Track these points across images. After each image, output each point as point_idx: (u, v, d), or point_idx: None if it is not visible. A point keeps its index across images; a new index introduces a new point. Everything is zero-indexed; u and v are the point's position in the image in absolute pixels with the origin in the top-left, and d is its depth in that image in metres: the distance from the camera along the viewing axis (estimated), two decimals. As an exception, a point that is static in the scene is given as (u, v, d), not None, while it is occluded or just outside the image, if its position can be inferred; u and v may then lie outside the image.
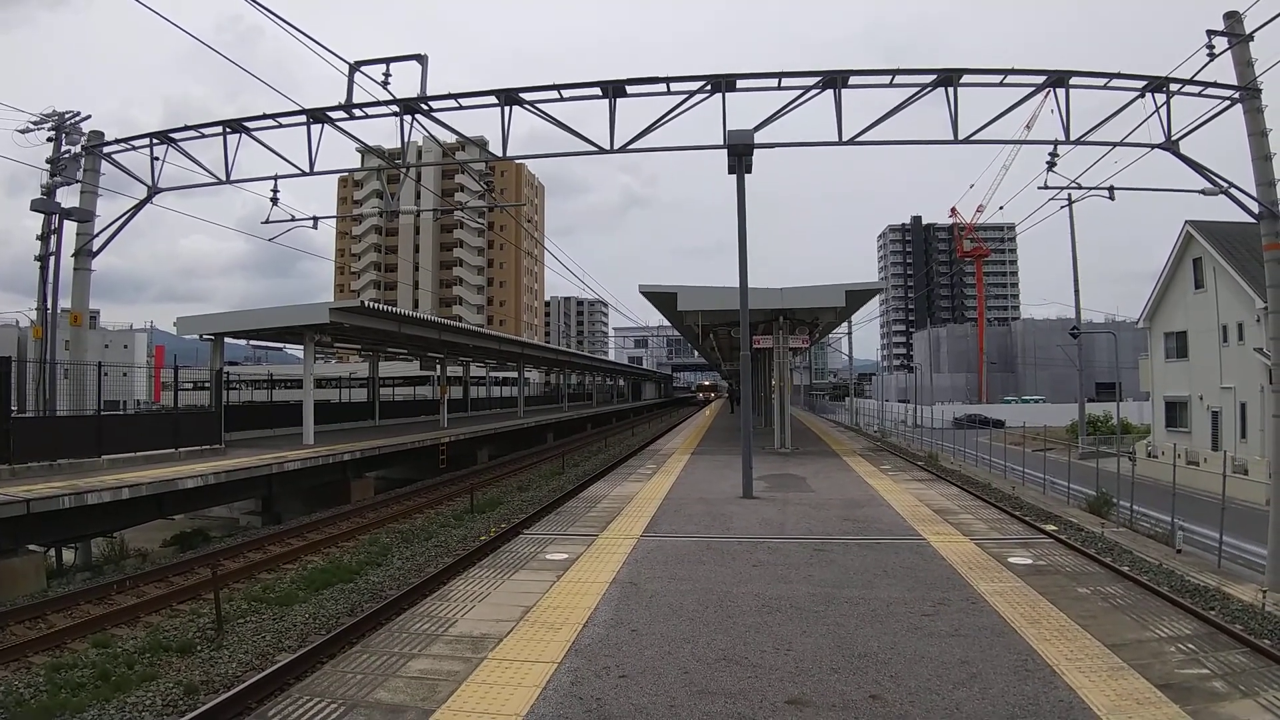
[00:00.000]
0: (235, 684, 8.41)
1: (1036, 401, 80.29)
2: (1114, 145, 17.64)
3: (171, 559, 15.50)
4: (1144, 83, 17.18)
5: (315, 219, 23.17)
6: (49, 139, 21.33)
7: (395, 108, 18.91)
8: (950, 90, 18.07)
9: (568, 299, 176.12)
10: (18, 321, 60.58)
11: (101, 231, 22.02)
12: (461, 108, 19.30)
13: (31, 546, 13.79)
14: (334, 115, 19.52)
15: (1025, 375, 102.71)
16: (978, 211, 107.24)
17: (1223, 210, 18.37)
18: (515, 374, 51.38)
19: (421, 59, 18.38)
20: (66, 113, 21.33)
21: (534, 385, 68.67)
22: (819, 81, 18.36)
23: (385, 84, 17.95)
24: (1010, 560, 9.35)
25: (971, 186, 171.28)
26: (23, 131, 21.15)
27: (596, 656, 6.20)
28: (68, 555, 16.51)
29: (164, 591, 12.73)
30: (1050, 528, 14.76)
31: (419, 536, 17.47)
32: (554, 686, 5.60)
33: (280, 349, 40.65)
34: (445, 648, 6.50)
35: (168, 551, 17.21)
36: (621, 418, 71.83)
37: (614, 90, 18.50)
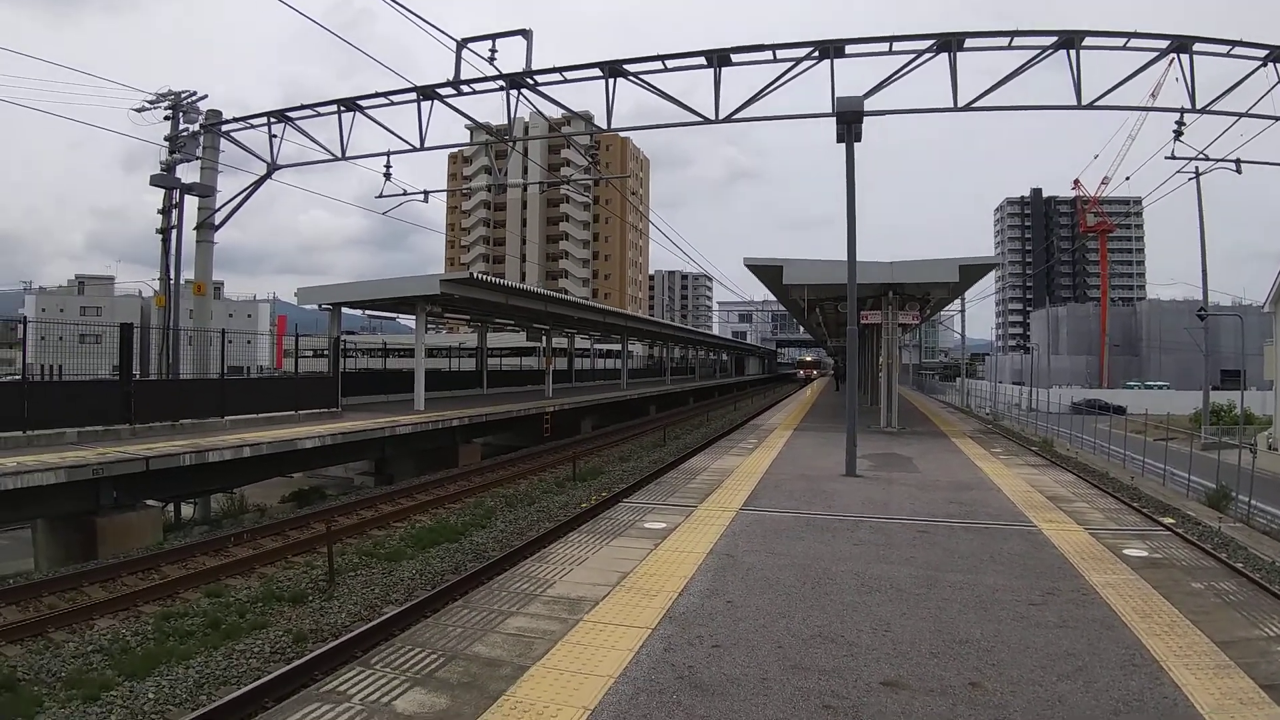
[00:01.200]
0: (343, 633, 8.81)
1: (1160, 388, 76.01)
2: (1239, 116, 16.51)
3: (288, 514, 16.31)
4: (1266, 51, 16.02)
5: (426, 193, 23.83)
6: (165, 117, 22.45)
7: (502, 83, 19.23)
8: (1072, 53, 17.25)
9: (672, 273, 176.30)
10: (140, 291, 64.67)
11: (223, 206, 23.18)
12: (566, 80, 19.46)
13: (149, 501, 14.58)
14: (443, 92, 19.99)
15: (1149, 359, 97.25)
16: (1102, 184, 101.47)
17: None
18: (619, 346, 51.78)
19: (526, 34, 18.57)
20: (183, 92, 22.41)
21: (637, 358, 69.14)
22: (932, 45, 17.76)
23: (492, 60, 18.28)
24: (1124, 551, 8.89)
25: (1096, 157, 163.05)
26: (139, 110, 22.32)
27: (690, 625, 6.20)
28: (186, 510, 17.51)
29: (279, 545, 13.37)
30: (1168, 520, 13.97)
31: (522, 501, 17.89)
32: (647, 651, 5.63)
33: (393, 319, 42.09)
34: (542, 607, 6.63)
35: (285, 507, 18.13)
36: (724, 392, 71.61)
37: (719, 59, 18.32)
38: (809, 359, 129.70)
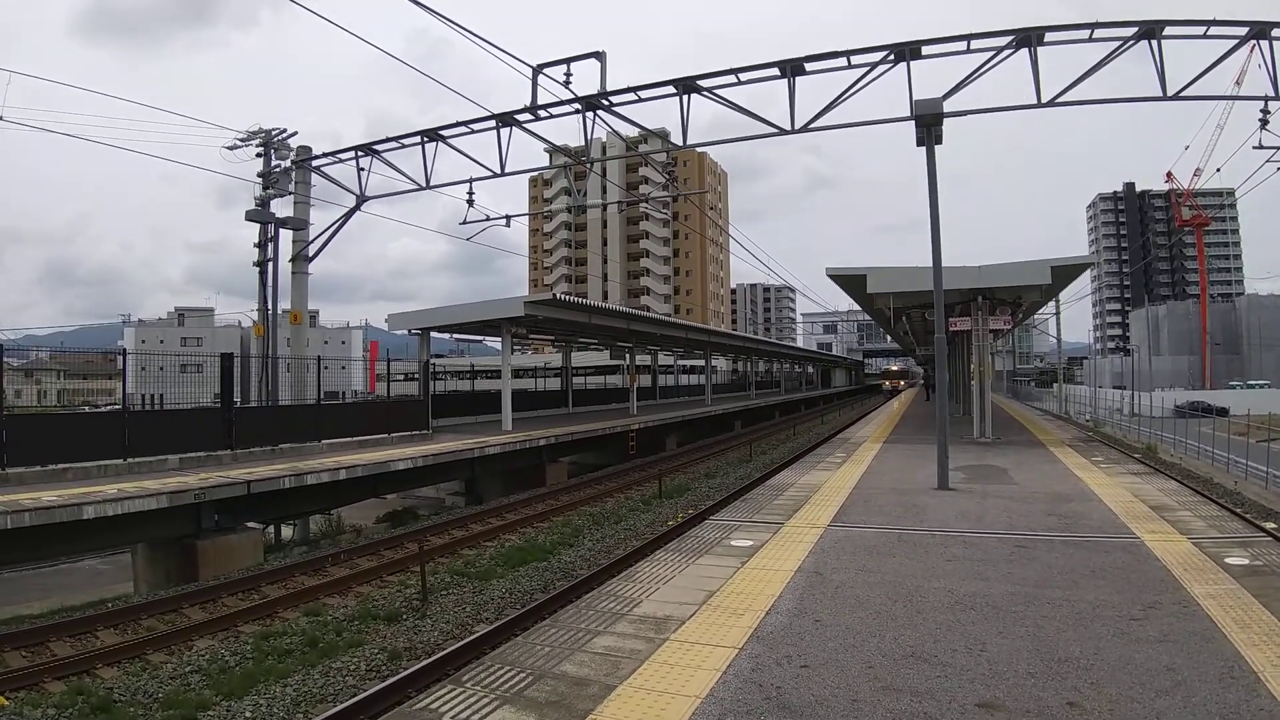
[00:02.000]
0: (436, 651, 9.01)
1: (1263, 386, 72.14)
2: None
3: (383, 534, 16.80)
4: None
5: (508, 217, 24.36)
6: (257, 154, 23.50)
7: (577, 105, 19.53)
8: (1154, 43, 16.72)
9: (754, 285, 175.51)
10: (239, 322, 67.68)
11: (316, 238, 24.12)
12: (641, 100, 19.65)
13: (250, 524, 15.16)
14: (520, 118, 20.41)
15: (1250, 357, 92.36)
16: (1195, 175, 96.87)
17: None
18: (702, 362, 51.73)
19: (600, 56, 18.83)
20: (273, 130, 23.43)
21: (721, 373, 68.92)
22: (1012, 41, 17.37)
23: (567, 83, 18.56)
24: (1226, 560, 8.47)
25: (1186, 148, 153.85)
26: (230, 148, 23.40)
27: (778, 644, 6.15)
28: (286, 531, 18.18)
29: (375, 564, 13.76)
30: (1270, 525, 13.25)
31: (609, 519, 18.00)
32: (734, 671, 5.60)
33: (480, 341, 43.02)
34: (629, 626, 6.66)
35: (380, 528, 18.67)
36: (810, 405, 70.76)
37: (792, 69, 18.24)
38: (895, 368, 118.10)
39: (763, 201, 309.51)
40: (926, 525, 10.86)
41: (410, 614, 10.96)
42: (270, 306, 23.91)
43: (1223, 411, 40.34)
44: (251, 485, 14.43)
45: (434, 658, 8.60)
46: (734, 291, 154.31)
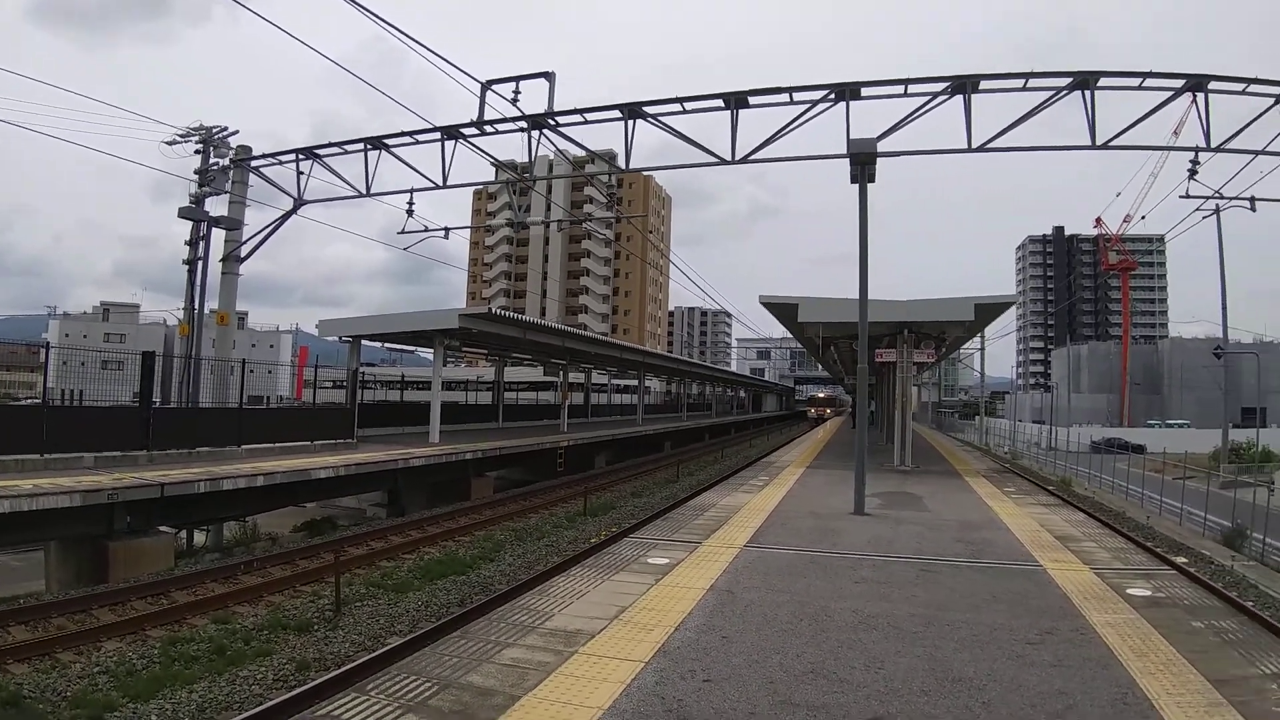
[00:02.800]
0: (346, 662, 8.89)
1: (1180, 426, 75.12)
2: (1256, 154, 16.55)
3: (299, 544, 16.46)
4: None
5: (447, 230, 24.18)
6: (196, 151, 22.97)
7: (524, 123, 19.58)
8: (1087, 93, 17.37)
9: (691, 309, 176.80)
10: (165, 320, 65.75)
11: (249, 239, 23.63)
12: (587, 122, 19.79)
13: (163, 528, 14.73)
14: (466, 132, 20.38)
15: (1170, 398, 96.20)
16: (1124, 222, 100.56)
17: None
18: (636, 382, 51.92)
19: (549, 76, 18.94)
20: (214, 127, 22.96)
21: (654, 394, 69.14)
22: (947, 87, 17.94)
23: (515, 101, 18.62)
24: (1128, 591, 8.85)
25: (1118, 195, 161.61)
26: (169, 143, 22.85)
27: (684, 659, 6.25)
28: (199, 537, 17.69)
29: (288, 573, 13.49)
30: (1180, 560, 13.87)
31: (532, 535, 17.93)
32: (638, 685, 5.69)
33: (413, 352, 42.45)
34: (539, 639, 6.70)
35: (297, 537, 18.27)
36: (740, 429, 71.40)
37: (736, 101, 18.59)
38: (821, 395, 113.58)
39: (707, 227, 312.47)
40: (839, 548, 11.11)
41: (322, 625, 10.78)
42: (197, 306, 23.31)
43: (1139, 448, 41.90)
44: (165, 488, 14.02)
45: (343, 669, 8.48)
46: (672, 314, 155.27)
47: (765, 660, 6.28)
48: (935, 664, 6.31)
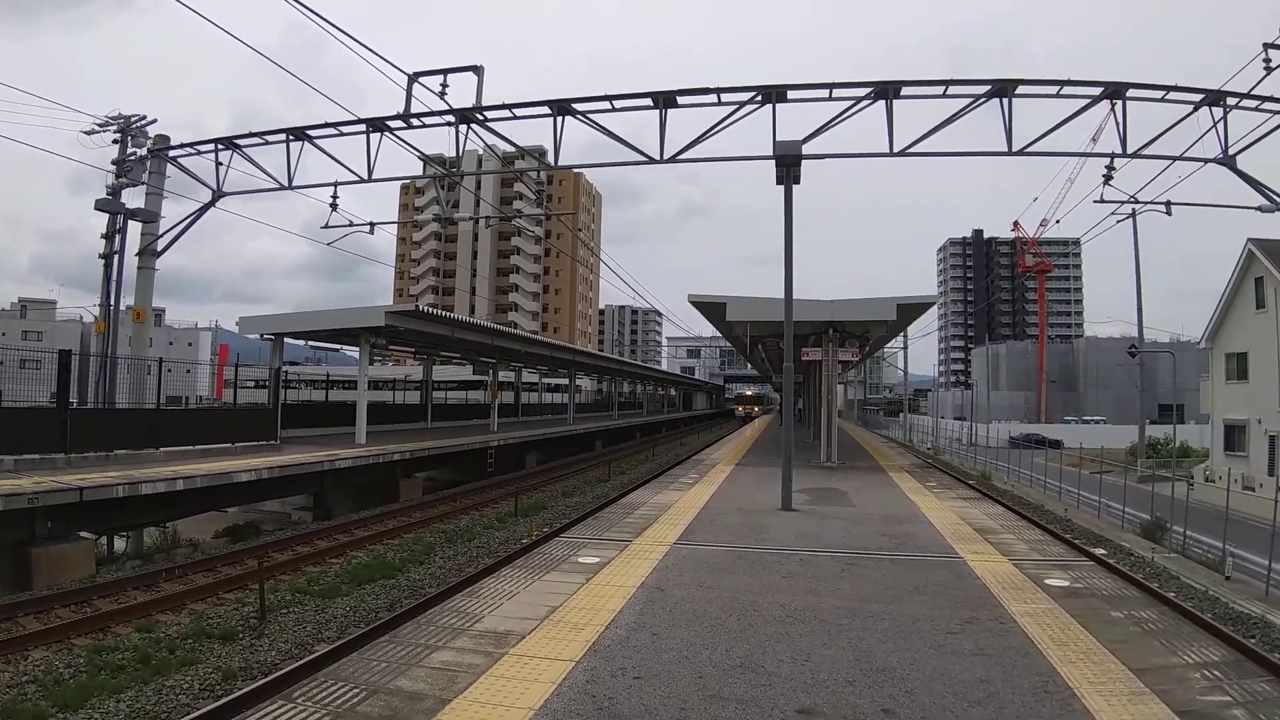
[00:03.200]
0: (273, 670, 8.69)
1: (1097, 422, 78.29)
2: (1172, 159, 17.27)
3: (221, 550, 16.02)
4: (1200, 96, 16.81)
5: (372, 225, 23.77)
6: (114, 141, 22.11)
7: (451, 117, 19.35)
8: (1005, 101, 17.88)
9: (622, 308, 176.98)
10: (81, 317, 63.11)
11: (166, 232, 22.85)
12: (515, 117, 19.67)
13: (83, 534, 14.23)
14: (392, 124, 20.05)
15: (1087, 395, 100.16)
16: (1041, 225, 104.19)
17: (1291, 229, 17.72)
18: (567, 380, 51.81)
19: (478, 70, 18.76)
20: (132, 116, 22.13)
21: (585, 393, 69.08)
22: (871, 92, 18.32)
23: (443, 94, 18.40)
24: (1047, 581, 9.19)
25: (1035, 200, 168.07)
26: (88, 133, 21.96)
27: (614, 657, 6.29)
28: (120, 544, 17.09)
29: (211, 581, 13.15)
30: (1099, 551, 14.40)
31: (462, 537, 17.76)
32: (569, 684, 5.71)
33: (338, 350, 41.62)
34: (469, 642, 6.67)
35: (219, 543, 17.75)
36: (671, 427, 71.81)
37: (665, 101, 18.69)
38: (749, 393, 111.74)
39: (638, 225, 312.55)
40: (767, 544, 11.30)
41: (247, 633, 10.51)
42: (113, 302, 22.43)
43: (1056, 444, 43.40)
44: (84, 492, 13.51)
45: (270, 677, 8.28)
46: (603, 312, 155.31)
47: (695, 656, 6.36)
48: (860, 655, 6.48)
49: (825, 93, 18.76)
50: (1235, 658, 7.00)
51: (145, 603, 11.76)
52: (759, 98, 18.72)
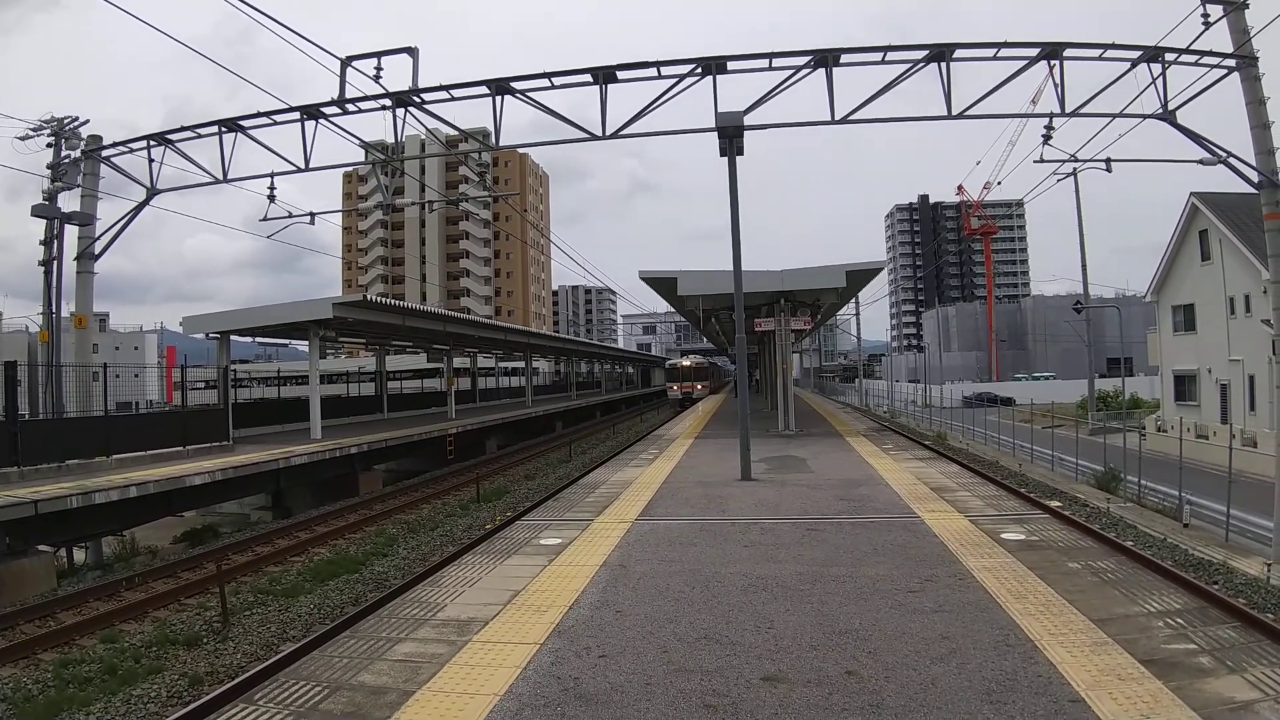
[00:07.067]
0: (239, 673, 8.58)
1: (1047, 378, 79.92)
2: (1112, 117, 17.50)
3: (180, 555, 15.74)
4: (1138, 53, 17.01)
5: (312, 215, 23.24)
6: (48, 145, 21.45)
7: (387, 101, 18.94)
8: (943, 65, 17.92)
9: (575, 288, 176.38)
10: (26, 327, 61.14)
11: (103, 234, 22.19)
12: (454, 99, 19.30)
13: (41, 547, 13.99)
14: (327, 111, 19.56)
15: (1036, 352, 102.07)
16: (985, 189, 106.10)
17: (1230, 181, 18.06)
18: (523, 364, 51.51)
19: (413, 51, 18.35)
20: (65, 118, 21.47)
21: (543, 375, 68.71)
22: (810, 61, 18.29)
23: (377, 78, 17.97)
24: (1003, 536, 9.37)
25: (978, 163, 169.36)
26: (22, 139, 21.29)
27: (579, 637, 6.29)
28: (79, 555, 16.71)
29: (172, 587, 12.94)
30: (1054, 504, 14.73)
31: (425, 527, 17.66)
32: (534, 667, 5.70)
33: (287, 345, 40.86)
34: (432, 631, 6.62)
35: (178, 548, 17.44)
36: (630, 404, 71.96)
37: (604, 76, 18.48)
38: (685, 364, 70.74)
39: (586, 203, 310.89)
40: (728, 514, 11.37)
41: (211, 637, 10.37)
42: (55, 309, 21.77)
43: (1008, 401, 44.30)
44: (39, 505, 13.19)
45: (236, 681, 8.17)
46: (556, 293, 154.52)
47: (659, 631, 6.39)
48: (823, 619, 6.55)
49: (765, 63, 18.69)
50: (1198, 604, 7.15)
51: (108, 613, 11.59)
52: (699, 70, 18.58)
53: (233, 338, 25.97)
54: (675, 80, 18.62)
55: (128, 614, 11.63)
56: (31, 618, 11.46)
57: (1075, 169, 29.37)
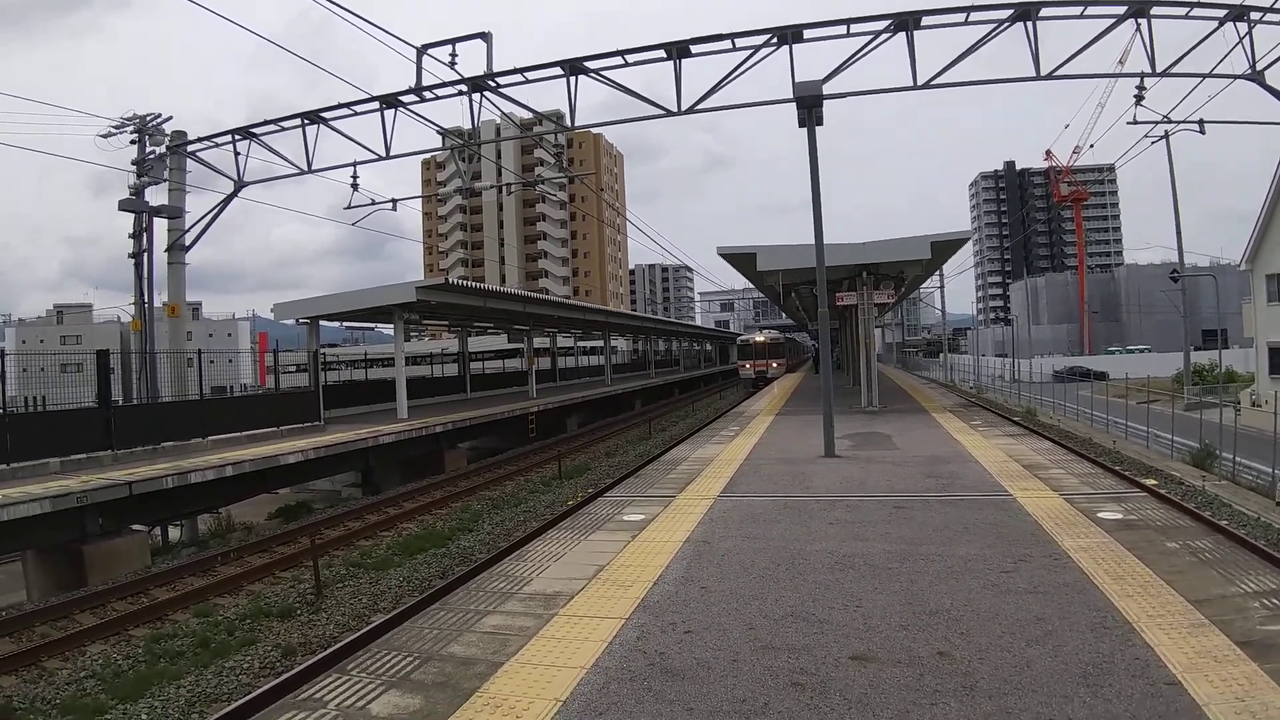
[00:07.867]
0: (331, 644, 8.85)
1: (1141, 351, 76.74)
2: (1202, 77, 16.69)
3: (275, 530, 16.33)
4: (1224, 11, 16.12)
5: (394, 201, 23.81)
6: (131, 141, 22.35)
7: (463, 87, 19.19)
8: (1029, 24, 17.31)
9: (652, 266, 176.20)
10: (118, 317, 64.35)
11: (192, 226, 23.10)
12: (528, 81, 19.45)
13: (135, 526, 14.58)
14: (405, 100, 19.95)
15: (1130, 324, 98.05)
16: (1074, 153, 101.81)
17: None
18: (602, 343, 51.81)
19: (486, 36, 18.54)
20: (148, 115, 22.33)
21: (621, 353, 68.97)
22: (889, 25, 17.84)
23: (453, 64, 18.23)
24: (1099, 515, 9.00)
25: (1066, 127, 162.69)
26: (104, 136, 22.20)
27: (664, 613, 6.28)
28: (174, 533, 17.48)
29: (267, 561, 13.42)
30: (1150, 482, 14.12)
31: (509, 503, 17.96)
32: (620, 641, 5.70)
33: (373, 329, 41.94)
34: (519, 605, 6.69)
35: (272, 524, 18.12)
36: (709, 382, 71.70)
37: (678, 51, 18.36)
38: (759, 339, 62.21)
39: (660, 181, 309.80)
40: (812, 491, 11.22)
41: (304, 609, 10.75)
42: (146, 299, 22.81)
43: (1101, 375, 42.59)
44: (133, 486, 13.78)
45: (329, 650, 8.45)
46: (633, 272, 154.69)
47: (745, 607, 6.33)
48: (913, 598, 6.40)
49: (843, 29, 18.30)
50: (1295, 585, 6.78)
51: (202, 588, 11.98)
52: (774, 40, 18.29)
53: (321, 322, 26.75)
54: (750, 51, 18.39)
55: (222, 588, 12.03)
56: (123, 595, 11.85)
57: (1167, 131, 28.06)
